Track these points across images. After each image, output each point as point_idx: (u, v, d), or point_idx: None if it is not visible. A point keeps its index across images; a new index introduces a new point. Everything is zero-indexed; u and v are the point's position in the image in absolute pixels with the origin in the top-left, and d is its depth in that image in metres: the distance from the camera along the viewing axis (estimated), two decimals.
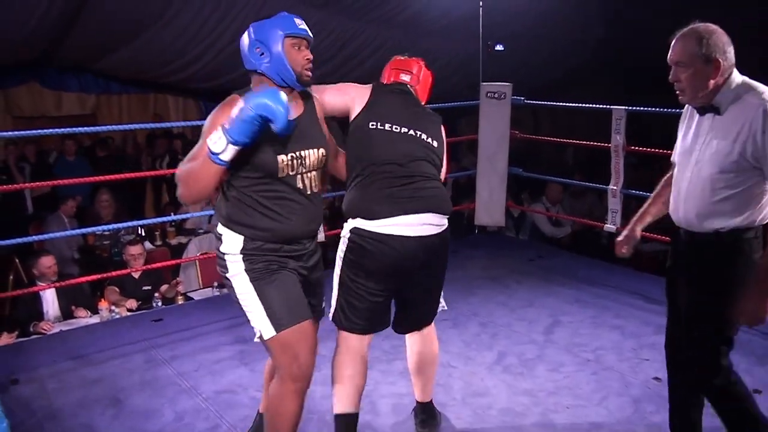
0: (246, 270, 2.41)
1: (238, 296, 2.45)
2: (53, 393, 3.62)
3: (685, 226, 2.46)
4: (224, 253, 2.44)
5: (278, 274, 2.43)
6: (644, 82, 8.01)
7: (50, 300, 5.04)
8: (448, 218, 2.73)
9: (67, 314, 5.07)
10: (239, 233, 2.41)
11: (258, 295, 2.40)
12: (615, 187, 5.21)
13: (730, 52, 2.30)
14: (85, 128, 6.05)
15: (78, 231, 5.81)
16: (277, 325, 2.39)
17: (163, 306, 5.19)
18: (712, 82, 2.29)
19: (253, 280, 2.40)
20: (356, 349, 2.77)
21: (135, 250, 5.50)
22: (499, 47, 7.30)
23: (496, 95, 5.94)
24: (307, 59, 2.40)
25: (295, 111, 2.42)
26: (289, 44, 2.36)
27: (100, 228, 6.15)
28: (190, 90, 9.60)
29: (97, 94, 9.65)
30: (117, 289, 5.30)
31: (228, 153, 2.18)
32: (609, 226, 5.31)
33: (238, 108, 2.14)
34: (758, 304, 2.27)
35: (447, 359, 3.73)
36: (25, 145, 8.54)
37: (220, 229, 2.47)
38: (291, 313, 2.41)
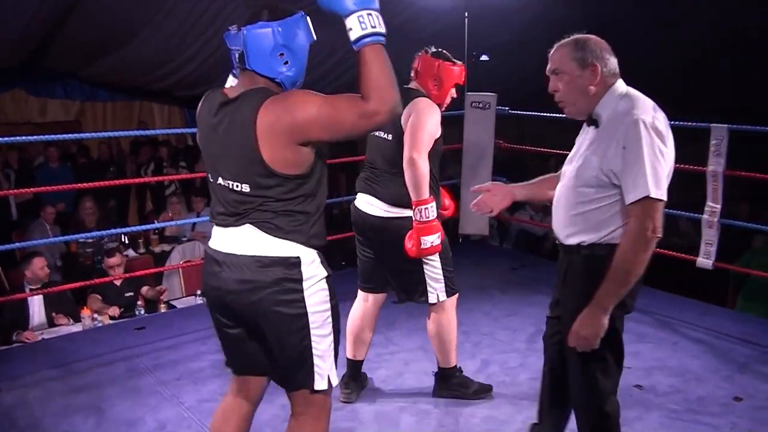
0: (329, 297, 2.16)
1: (314, 336, 2.12)
2: (35, 402, 3.59)
3: (558, 237, 2.44)
4: (295, 259, 2.07)
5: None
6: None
7: (37, 307, 5.02)
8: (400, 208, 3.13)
9: (51, 322, 5.05)
10: (314, 248, 2.13)
11: (333, 331, 2.17)
12: None
13: (611, 60, 2.27)
14: (70, 135, 6.02)
15: (61, 238, 5.80)
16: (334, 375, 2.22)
17: (146, 314, 5.17)
18: (591, 88, 2.25)
19: (333, 310, 2.17)
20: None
21: (113, 261, 5.49)
22: (484, 57, 7.36)
23: (480, 105, 5.98)
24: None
25: None
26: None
27: (83, 236, 6.13)
28: (175, 98, 9.59)
29: (82, 101, 9.63)
30: (99, 297, 5.29)
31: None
32: None
33: None
34: (587, 327, 2.21)
35: (430, 367, 3.75)
36: (8, 151, 8.50)
37: (293, 249, 2.07)
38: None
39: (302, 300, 2.07)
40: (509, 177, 6.35)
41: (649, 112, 2.17)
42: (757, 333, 4.33)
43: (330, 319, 2.14)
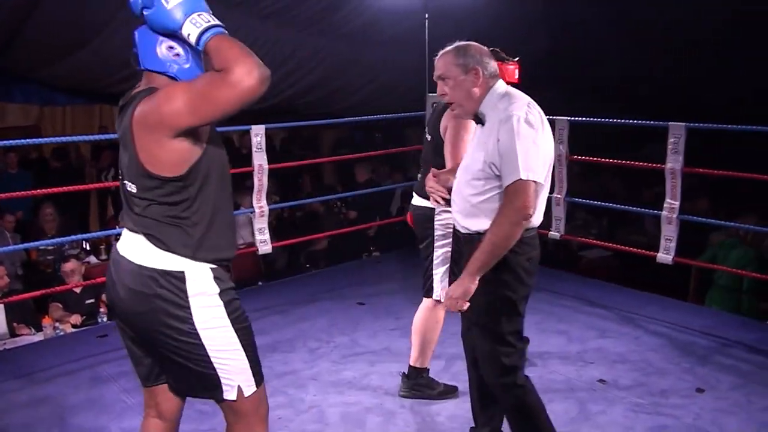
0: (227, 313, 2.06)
1: (212, 350, 2.04)
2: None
3: (457, 226, 2.66)
4: (178, 273, 2.00)
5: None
6: (584, 93, 8.21)
7: None
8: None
9: (12, 332, 4.96)
10: (205, 262, 2.04)
11: (242, 344, 2.08)
12: (559, 196, 5.31)
13: (491, 63, 2.51)
14: (29, 140, 5.89)
15: (21, 246, 5.69)
16: (260, 376, 2.17)
17: (108, 321, 5.10)
18: (475, 90, 2.48)
19: (235, 324, 2.07)
20: None
21: (69, 266, 5.41)
22: None
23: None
24: None
25: None
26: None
27: (43, 243, 6.01)
28: None
29: (41, 105, 9.44)
30: (60, 306, 5.20)
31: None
32: (553, 233, 5.41)
33: None
34: (456, 289, 2.44)
35: (396, 368, 3.76)
36: None
37: (176, 263, 2.00)
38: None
39: (190, 317, 1.99)
40: None
41: (522, 108, 2.40)
42: (717, 325, 4.43)
43: (234, 336, 2.05)
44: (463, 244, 2.67)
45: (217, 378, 2.06)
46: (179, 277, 1.98)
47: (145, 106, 1.89)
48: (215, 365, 2.04)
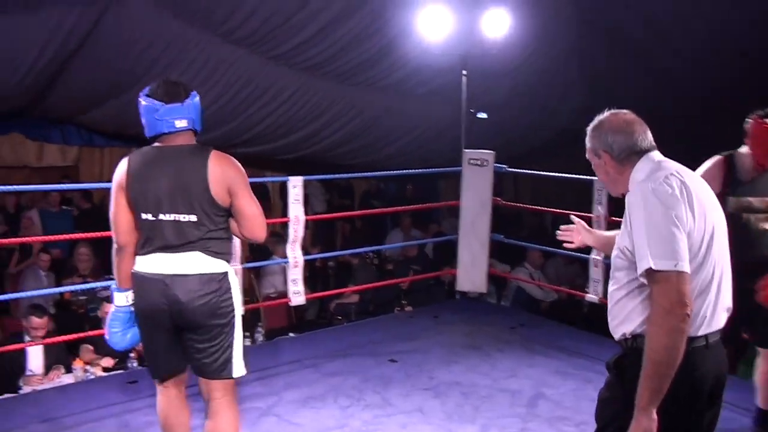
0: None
1: (236, 334, 2.84)
2: None
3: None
4: (226, 272, 2.82)
5: None
6: None
7: (35, 356, 4.95)
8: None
9: (47, 371, 4.97)
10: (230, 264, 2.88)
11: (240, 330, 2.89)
12: (597, 257, 5.24)
13: (618, 140, 2.18)
14: (64, 186, 5.98)
15: (55, 290, 5.72)
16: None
17: (139, 367, 5.08)
18: (611, 172, 2.23)
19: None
20: None
21: (109, 308, 5.39)
22: (482, 115, 7.43)
23: (478, 162, 6.02)
24: None
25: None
26: None
27: (76, 287, 6.00)
28: None
29: (80, 146, 9.59)
30: (91, 348, 5.19)
31: None
32: (591, 296, 5.32)
33: None
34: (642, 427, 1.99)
35: (429, 430, 3.68)
36: (4, 195, 8.45)
37: (220, 266, 2.81)
38: None
39: (232, 306, 2.82)
40: (506, 233, 6.39)
41: (658, 177, 2.05)
42: None
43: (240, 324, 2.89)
44: (624, 358, 2.17)
45: (232, 357, 2.83)
46: (226, 275, 2.83)
47: (227, 169, 2.79)
48: (234, 346, 2.83)
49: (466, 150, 6.13)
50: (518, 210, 9.67)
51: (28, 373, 4.90)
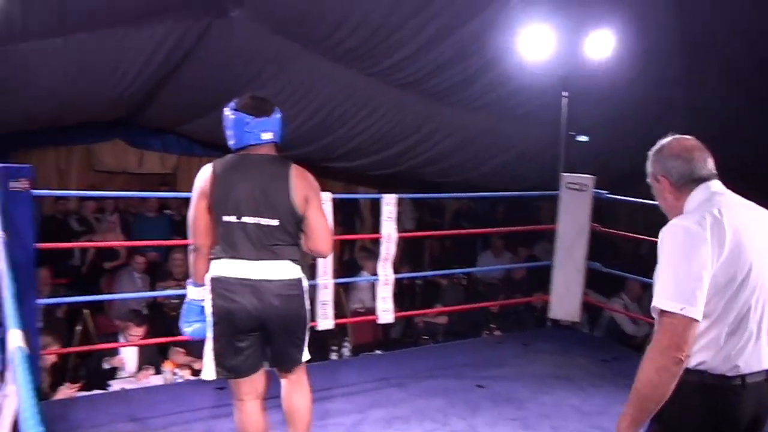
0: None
1: (307, 328, 3.06)
2: None
3: None
4: (302, 277, 3.01)
5: None
6: (730, 177, 7.84)
7: (129, 356, 5.11)
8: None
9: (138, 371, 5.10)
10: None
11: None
12: None
13: (677, 165, 2.18)
14: (162, 194, 6.15)
15: (148, 294, 5.85)
16: None
17: None
18: (668, 198, 2.22)
19: None
20: None
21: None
22: (582, 138, 7.23)
23: (577, 187, 5.84)
24: None
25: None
26: None
27: (167, 294, 6.15)
28: None
29: (179, 154, 9.87)
30: (183, 351, 5.28)
31: None
32: None
33: None
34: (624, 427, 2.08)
35: None
36: (105, 198, 8.75)
37: (295, 271, 2.99)
38: None
39: (305, 306, 3.03)
40: (602, 260, 6.16)
41: (695, 216, 2.05)
42: None
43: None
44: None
45: (303, 347, 3.07)
46: (302, 280, 3.02)
47: (306, 182, 3.00)
48: (305, 338, 3.06)
49: (565, 174, 5.96)
50: (612, 237, 9.36)
51: (120, 372, 5.02)
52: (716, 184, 2.17)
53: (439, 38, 6.90)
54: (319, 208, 2.98)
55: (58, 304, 6.08)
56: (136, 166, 9.66)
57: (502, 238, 8.87)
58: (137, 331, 5.06)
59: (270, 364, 3.14)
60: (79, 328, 6.29)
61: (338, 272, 7.61)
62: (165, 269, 7.25)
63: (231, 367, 3.04)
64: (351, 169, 9.68)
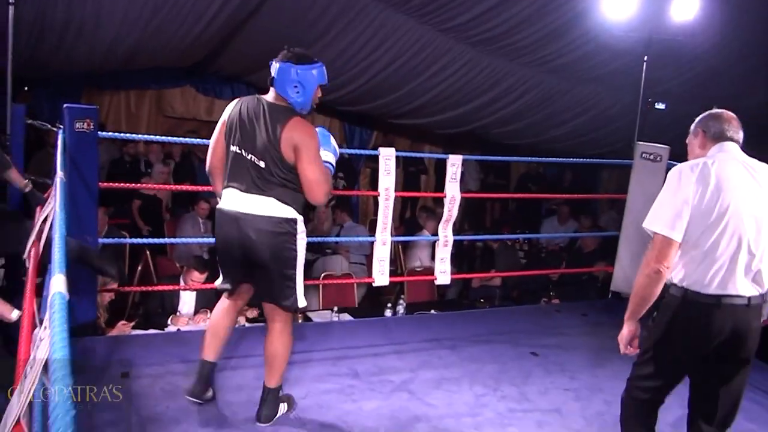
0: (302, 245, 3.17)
1: (297, 267, 3.16)
2: (160, 395, 3.59)
3: None
4: (294, 219, 3.11)
5: None
6: None
7: (188, 298, 5.21)
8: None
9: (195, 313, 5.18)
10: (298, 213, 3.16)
11: (302, 269, 3.21)
12: None
13: (715, 125, 2.69)
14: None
15: (207, 240, 5.84)
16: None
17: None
18: (697, 150, 2.73)
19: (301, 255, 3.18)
20: None
21: None
22: (660, 105, 6.91)
23: (651, 157, 5.59)
24: (319, 98, 3.26)
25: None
26: (317, 89, 3.20)
27: None
28: (336, 111, 9.72)
29: None
30: None
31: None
32: None
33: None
34: (622, 333, 2.77)
35: None
36: (171, 143, 8.85)
37: (283, 210, 3.09)
38: None
39: (295, 247, 3.14)
40: None
41: (692, 162, 2.57)
42: None
43: (302, 264, 3.21)
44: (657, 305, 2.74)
45: (293, 290, 3.17)
46: (294, 222, 3.12)
47: (296, 134, 3.06)
48: (296, 280, 3.16)
49: (640, 143, 5.71)
50: None
51: (177, 313, 5.10)
52: (730, 145, 2.64)
53: None
54: (310, 160, 3.06)
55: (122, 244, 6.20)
56: (205, 114, 9.73)
57: (568, 204, 8.63)
58: (199, 278, 5.11)
59: (256, 298, 3.50)
60: (139, 268, 6.43)
61: (398, 230, 7.57)
62: None
63: (225, 277, 3.34)
64: (419, 126, 9.53)
